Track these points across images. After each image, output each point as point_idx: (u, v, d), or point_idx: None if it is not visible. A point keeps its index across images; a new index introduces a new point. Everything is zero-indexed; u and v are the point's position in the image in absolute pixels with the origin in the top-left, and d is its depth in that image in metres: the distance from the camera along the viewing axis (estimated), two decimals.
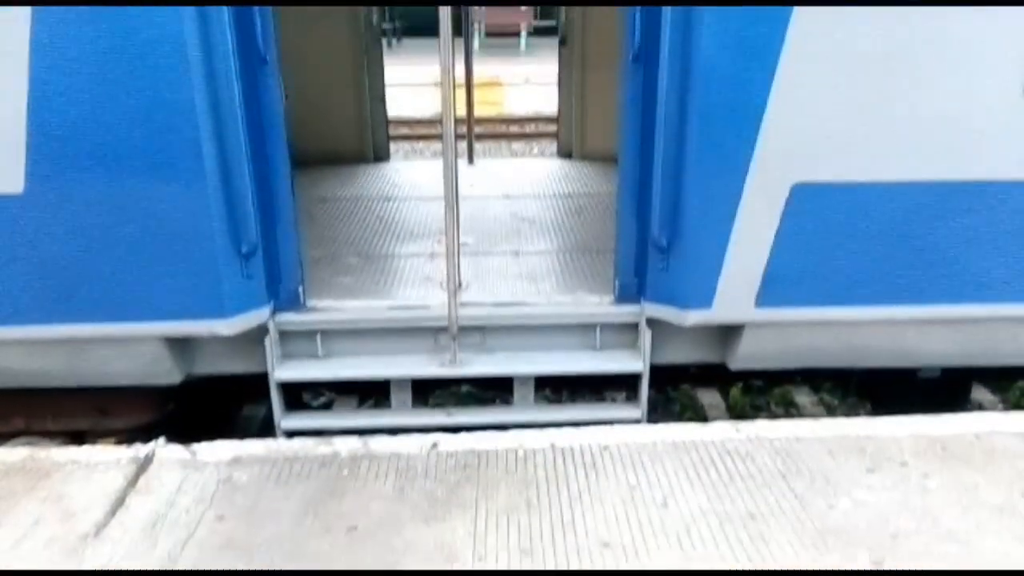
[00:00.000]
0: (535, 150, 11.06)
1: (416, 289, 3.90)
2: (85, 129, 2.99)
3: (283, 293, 3.56)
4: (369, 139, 6.73)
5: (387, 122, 7.00)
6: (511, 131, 12.10)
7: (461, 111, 6.65)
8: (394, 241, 4.65)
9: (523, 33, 23.39)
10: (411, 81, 14.18)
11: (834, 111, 3.09)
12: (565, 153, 6.94)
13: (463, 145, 6.78)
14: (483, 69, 13.94)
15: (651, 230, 3.36)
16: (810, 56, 3.00)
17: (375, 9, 6.66)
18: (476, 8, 21.70)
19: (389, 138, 7.13)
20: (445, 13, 3.13)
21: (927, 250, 3.32)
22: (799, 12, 2.94)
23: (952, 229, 3.29)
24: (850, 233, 3.28)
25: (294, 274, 3.56)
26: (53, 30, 2.87)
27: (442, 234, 3.73)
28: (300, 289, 3.60)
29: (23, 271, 3.19)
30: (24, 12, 2.84)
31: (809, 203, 3.20)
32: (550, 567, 2.44)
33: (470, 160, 6.87)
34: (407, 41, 23.00)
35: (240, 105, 3.11)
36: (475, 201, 5.48)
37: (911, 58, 3.03)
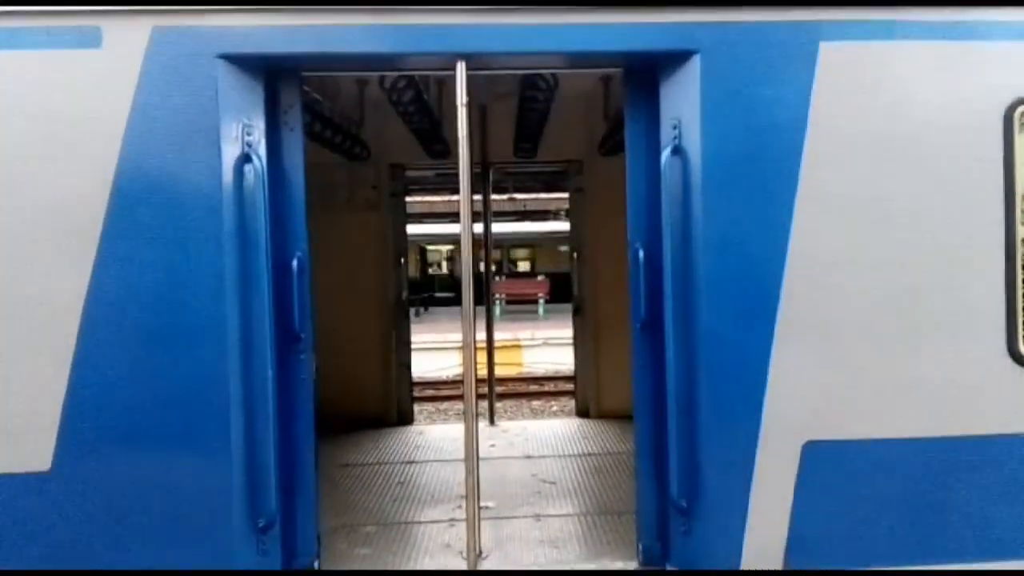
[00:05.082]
0: (554, 407, 11.21)
1: (435, 558, 3.80)
2: (120, 407, 3.09)
3: (297, 568, 3.44)
4: (394, 404, 6.95)
5: (412, 387, 7.27)
6: (530, 389, 12.38)
7: (483, 370, 6.94)
8: (414, 507, 4.62)
9: (540, 301, 24.86)
10: (439, 342, 14.86)
11: (832, 374, 3.23)
12: (582, 412, 7.09)
13: (484, 404, 6.97)
14: (504, 334, 14.64)
15: (671, 492, 3.35)
16: (801, 324, 3.20)
17: (404, 284, 7.24)
18: (497, 280, 23.29)
19: (413, 401, 7.36)
20: (468, 289, 3.36)
21: (945, 506, 3.25)
22: (788, 284, 3.19)
23: (964, 485, 3.25)
24: (867, 490, 3.24)
25: (310, 548, 3.48)
26: (100, 315, 3.05)
27: (463, 499, 3.72)
28: (316, 564, 3.50)
29: (35, 554, 3.09)
30: (77, 301, 3.03)
31: (822, 461, 3.21)
32: None
33: (491, 421, 7.00)
34: (434, 309, 24.48)
35: (272, 380, 3.23)
36: (496, 463, 5.50)
37: (898, 324, 3.23)
